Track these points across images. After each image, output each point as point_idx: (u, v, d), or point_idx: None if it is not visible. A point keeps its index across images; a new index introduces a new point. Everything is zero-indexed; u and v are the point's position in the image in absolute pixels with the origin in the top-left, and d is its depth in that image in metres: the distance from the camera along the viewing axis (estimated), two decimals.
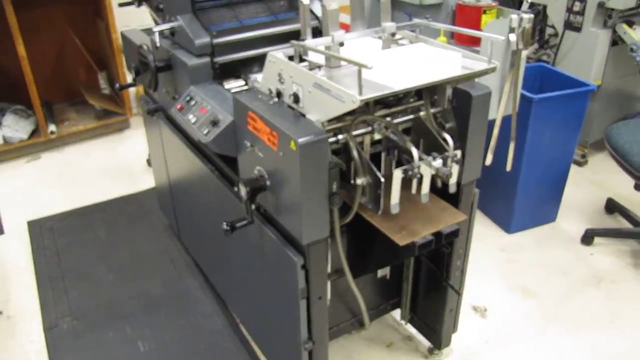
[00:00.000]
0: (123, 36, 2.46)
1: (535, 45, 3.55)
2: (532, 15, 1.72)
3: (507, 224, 2.77)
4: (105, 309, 2.38)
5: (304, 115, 1.42)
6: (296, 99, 1.44)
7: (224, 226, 1.56)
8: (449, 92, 1.58)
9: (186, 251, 2.65)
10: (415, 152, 1.37)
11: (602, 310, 2.31)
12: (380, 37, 1.59)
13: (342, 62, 1.50)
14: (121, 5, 2.20)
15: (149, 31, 2.24)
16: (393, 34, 1.55)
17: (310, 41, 1.47)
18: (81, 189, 3.26)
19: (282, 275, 1.60)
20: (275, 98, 1.51)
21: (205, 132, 1.68)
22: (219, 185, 1.87)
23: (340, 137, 1.45)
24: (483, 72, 1.44)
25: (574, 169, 3.22)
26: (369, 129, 1.50)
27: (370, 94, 1.26)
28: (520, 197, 2.66)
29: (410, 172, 1.38)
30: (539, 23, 3.52)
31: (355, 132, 1.48)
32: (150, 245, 2.75)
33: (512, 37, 1.71)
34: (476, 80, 1.63)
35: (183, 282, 2.50)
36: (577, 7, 3.01)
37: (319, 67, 1.44)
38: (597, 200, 2.99)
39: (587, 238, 2.68)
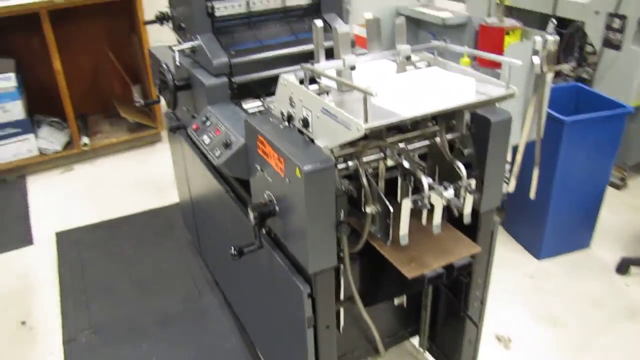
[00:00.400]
0: (150, 53, 2.49)
1: (573, 63, 3.43)
2: (557, 38, 1.65)
3: (537, 249, 2.66)
4: (124, 324, 2.39)
5: (313, 141, 1.38)
6: (305, 123, 1.40)
7: (232, 251, 1.54)
8: (467, 117, 1.51)
9: (207, 268, 2.65)
10: (425, 181, 1.32)
11: (637, 347, 2.18)
12: (395, 60, 1.55)
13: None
14: (145, 23, 2.22)
15: None
16: (408, 57, 1.50)
17: (320, 64, 1.44)
18: (111, 201, 3.30)
19: (289, 302, 1.56)
20: (286, 122, 1.48)
21: (217, 154, 1.67)
22: (233, 206, 1.85)
23: (350, 163, 1.41)
24: (499, 98, 1.38)
25: (611, 192, 3.09)
26: (382, 155, 1.46)
27: (376, 122, 1.21)
28: (551, 221, 2.55)
29: (419, 203, 1.32)
30: (578, 40, 3.40)
31: (367, 159, 1.43)
32: (173, 261, 2.76)
33: (536, 60, 1.65)
34: (497, 104, 1.56)
35: (202, 300, 2.49)
36: (616, 24, 2.89)
37: (327, 92, 1.40)
38: (636, 226, 2.85)
39: (623, 267, 2.55)
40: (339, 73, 1.44)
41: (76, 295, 2.56)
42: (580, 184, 2.52)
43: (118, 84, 4.00)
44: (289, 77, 1.48)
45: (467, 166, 1.56)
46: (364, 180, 1.38)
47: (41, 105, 3.72)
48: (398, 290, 1.71)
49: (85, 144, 3.65)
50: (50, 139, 3.59)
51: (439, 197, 1.35)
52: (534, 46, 1.60)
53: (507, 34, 1.70)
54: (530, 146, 2.02)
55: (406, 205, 1.33)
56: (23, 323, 2.43)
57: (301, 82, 1.45)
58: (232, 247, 1.54)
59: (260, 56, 1.93)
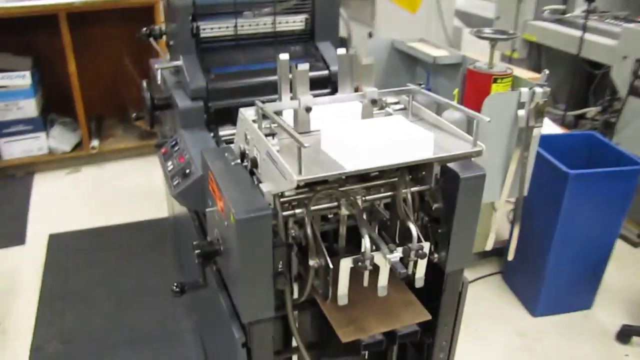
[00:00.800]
0: (150, 64, 2.45)
1: (599, 108, 3.26)
2: (547, 89, 1.52)
3: (533, 306, 2.49)
4: (92, 337, 2.34)
5: (260, 183, 1.30)
6: (254, 164, 1.32)
7: (173, 287, 1.47)
8: (436, 170, 1.40)
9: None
10: (367, 240, 1.21)
11: None
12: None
13: (312, 129, 1.38)
14: (138, 36, 2.19)
15: None
16: (374, 101, 1.40)
17: (282, 102, 1.36)
18: (110, 207, 3.28)
19: (229, 346, 1.48)
20: (239, 159, 1.40)
21: (175, 183, 1.60)
22: (195, 236, 1.78)
23: (298, 210, 1.31)
24: (463, 156, 1.27)
25: (626, 249, 2.90)
26: (335, 203, 1.36)
27: (310, 175, 1.12)
28: (549, 277, 2.39)
29: (359, 264, 1.22)
30: (609, 83, 3.22)
31: (319, 206, 1.34)
32: (155, 277, 2.71)
33: (521, 113, 1.52)
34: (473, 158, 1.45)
35: (175, 322, 2.43)
36: None
37: (272, 134, 1.32)
38: None
39: (624, 335, 2.36)
40: (295, 114, 1.36)
41: (54, 302, 2.54)
42: (585, 242, 2.35)
43: (135, 89, 4.00)
44: (246, 112, 1.40)
45: (436, 221, 1.46)
46: (309, 230, 1.28)
47: (57, 104, 3.76)
48: (340, 350, 1.60)
49: (94, 147, 3.66)
50: (60, 139, 3.62)
51: (383, 259, 1.24)
52: (520, 98, 1.48)
53: (495, 81, 1.57)
54: (531, 197, 1.89)
55: (345, 264, 1.23)
56: None
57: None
58: (175, 284, 1.48)
59: (240, 82, 1.86)
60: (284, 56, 1.39)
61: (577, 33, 3.08)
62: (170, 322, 2.43)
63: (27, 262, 2.82)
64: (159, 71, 1.94)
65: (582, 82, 3.54)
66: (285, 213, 1.29)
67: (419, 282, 1.33)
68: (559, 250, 2.33)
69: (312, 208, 1.31)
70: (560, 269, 2.39)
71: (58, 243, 2.95)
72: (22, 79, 3.38)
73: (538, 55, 3.47)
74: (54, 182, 3.57)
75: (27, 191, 3.45)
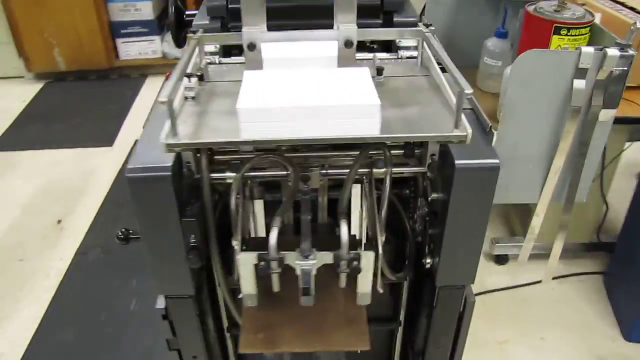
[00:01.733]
0: None
1: None
2: (631, 53, 1.00)
3: (629, 326, 1.96)
4: (133, 253, 2.30)
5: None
6: None
7: (118, 233, 1.30)
8: (433, 149, 1.03)
9: None
10: (273, 235, 0.90)
11: None
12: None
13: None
14: None
15: None
16: (349, 42, 1.03)
17: (221, 35, 1.06)
18: None
19: None
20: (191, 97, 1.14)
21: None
22: None
23: (229, 174, 1.03)
24: (433, 138, 0.88)
25: None
26: (285, 172, 1.05)
27: (186, 140, 0.84)
28: None
29: (262, 264, 0.92)
30: None
31: (256, 173, 1.05)
32: None
33: (579, 85, 1.03)
34: (496, 139, 1.04)
35: None
36: None
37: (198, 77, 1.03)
38: None
39: None
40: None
41: (112, 209, 2.57)
42: None
43: None
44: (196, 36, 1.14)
45: (435, 215, 1.10)
46: (232, 201, 1.00)
47: None
48: None
49: None
50: (174, 44, 3.58)
51: (295, 262, 0.92)
52: (579, 61, 0.98)
53: (558, 32, 1.05)
54: None
55: (244, 259, 0.93)
56: (59, 222, 2.51)
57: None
58: (120, 230, 1.31)
59: (269, 2, 1.55)
60: None
61: None
62: None
63: (107, 164, 2.88)
64: None
65: None
66: (215, 175, 1.03)
67: (364, 299, 0.99)
68: None
69: (250, 174, 1.04)
70: None
71: None
72: None
73: None
74: None
75: (135, 93, 3.51)
